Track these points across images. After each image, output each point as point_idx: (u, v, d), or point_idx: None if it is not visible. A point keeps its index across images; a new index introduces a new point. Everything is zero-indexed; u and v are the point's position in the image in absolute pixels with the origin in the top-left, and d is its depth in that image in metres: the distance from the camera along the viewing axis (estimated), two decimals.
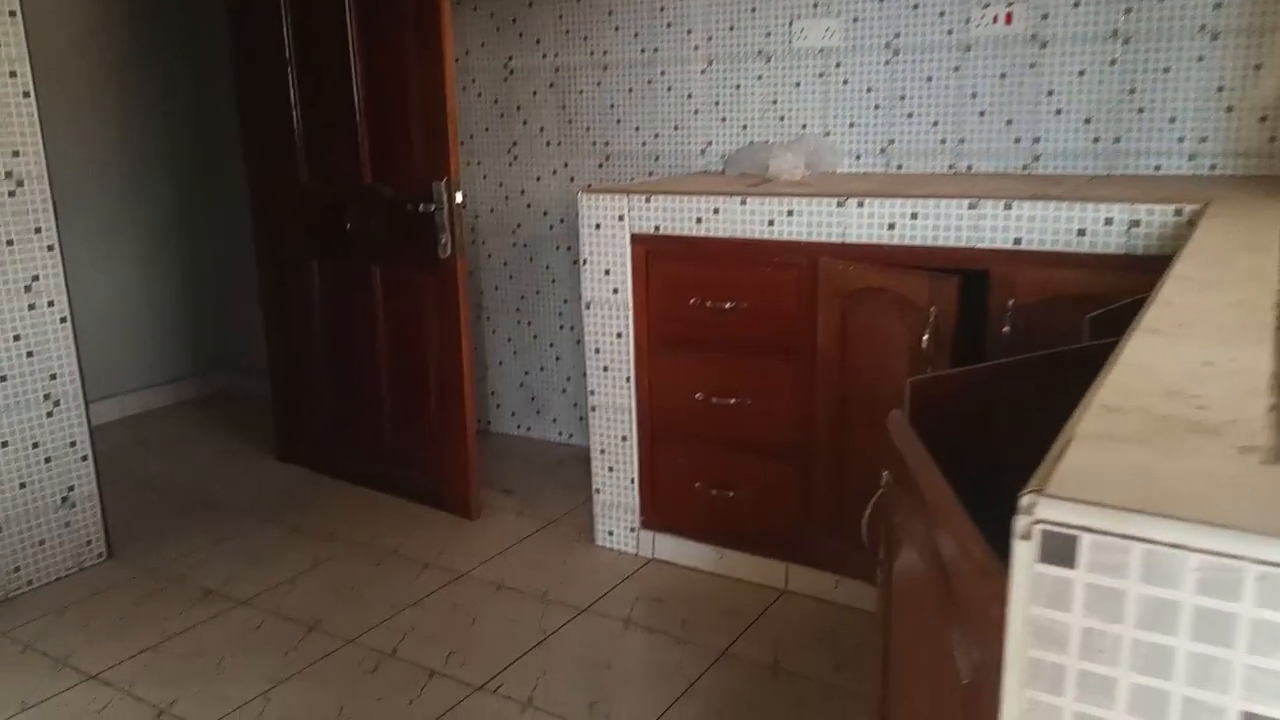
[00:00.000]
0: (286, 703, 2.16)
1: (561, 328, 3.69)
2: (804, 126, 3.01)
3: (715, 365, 2.58)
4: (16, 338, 2.61)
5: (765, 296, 2.47)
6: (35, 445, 2.67)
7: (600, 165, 3.43)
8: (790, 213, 2.39)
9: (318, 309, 3.38)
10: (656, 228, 2.58)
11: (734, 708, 2.11)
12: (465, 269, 2.97)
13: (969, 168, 2.80)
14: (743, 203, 2.44)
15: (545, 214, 3.61)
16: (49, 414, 2.69)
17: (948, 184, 2.50)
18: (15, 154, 2.57)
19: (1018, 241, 2.14)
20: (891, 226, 2.27)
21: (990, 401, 1.56)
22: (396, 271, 3.12)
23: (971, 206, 2.17)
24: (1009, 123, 2.73)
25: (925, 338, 2.11)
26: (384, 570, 2.78)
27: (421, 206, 2.91)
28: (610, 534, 2.87)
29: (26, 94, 2.58)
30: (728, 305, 2.51)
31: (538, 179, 3.59)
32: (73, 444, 2.75)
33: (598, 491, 2.85)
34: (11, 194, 2.57)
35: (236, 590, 2.67)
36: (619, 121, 3.35)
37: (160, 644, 2.41)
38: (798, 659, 2.28)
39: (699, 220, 2.51)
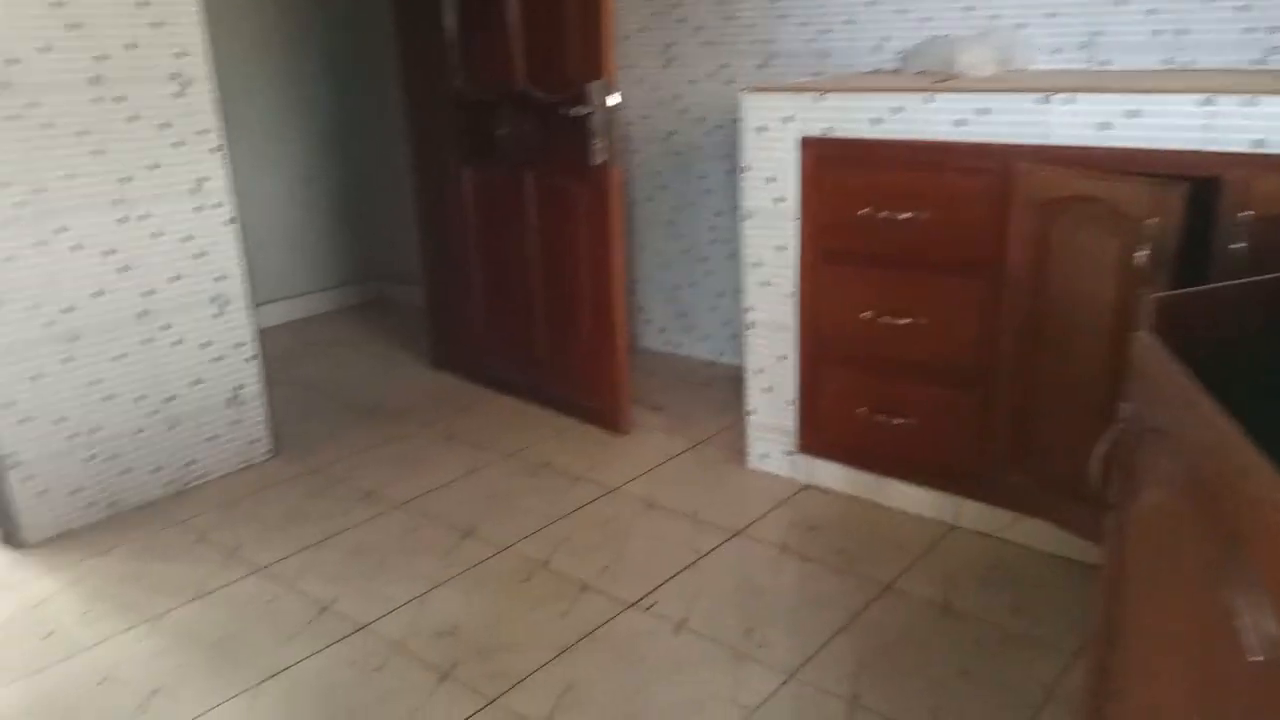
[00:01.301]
0: (443, 605, 2.17)
1: (714, 241, 3.54)
2: (994, 18, 2.71)
3: (887, 282, 2.39)
4: (187, 239, 2.66)
5: (948, 206, 2.24)
6: (206, 344, 2.75)
7: (761, 66, 3.21)
8: (984, 110, 2.14)
9: (470, 217, 3.34)
10: (828, 130, 2.38)
11: (902, 646, 1.99)
12: (619, 177, 2.84)
13: (1190, 64, 2.46)
14: (928, 100, 2.21)
15: (701, 120, 3.43)
16: (217, 314, 2.76)
17: (1169, 79, 2.19)
18: (183, 54, 2.59)
19: (1259, 144, 1.84)
20: (1105, 126, 2.00)
21: (1242, 324, 1.34)
22: (549, 179, 3.03)
23: (1205, 103, 1.88)
24: (1243, 8, 2.36)
25: (1141, 254, 1.86)
26: (536, 481, 2.76)
27: (575, 110, 2.79)
28: (764, 456, 2.75)
29: None
30: (904, 216, 2.30)
31: (692, 82, 3.41)
32: (240, 344, 2.82)
33: (752, 412, 2.73)
34: (179, 94, 2.60)
35: (394, 493, 2.71)
36: (783, 17, 3.11)
37: (323, 541, 2.47)
38: (971, 599, 2.13)
39: (877, 121, 2.29)
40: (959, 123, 2.18)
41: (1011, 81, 2.29)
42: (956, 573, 2.22)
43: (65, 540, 2.50)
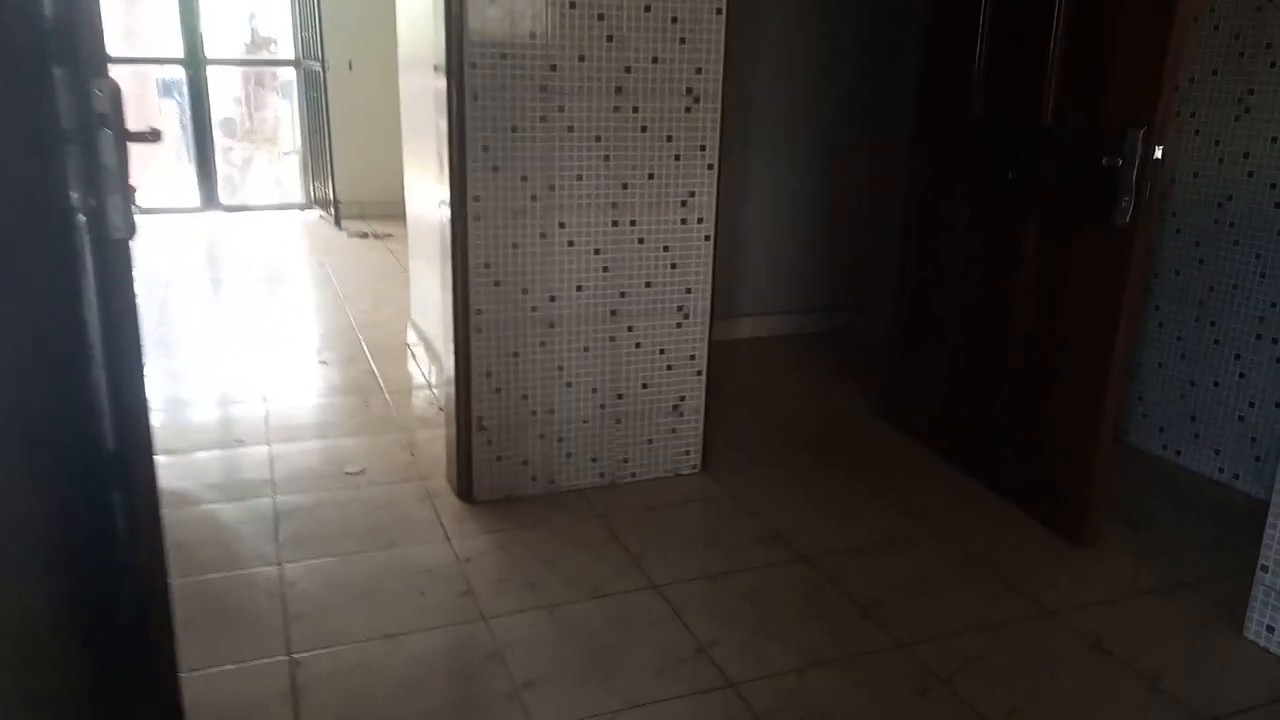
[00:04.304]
0: (821, 688, 1.96)
1: (1259, 337, 2.83)
2: None
3: None
4: (665, 248, 2.74)
5: None
6: (661, 351, 2.82)
7: None
8: None
9: (955, 260, 3.04)
10: None
11: None
12: (1146, 243, 2.36)
13: None
14: None
15: (1273, 187, 2.75)
16: (678, 325, 2.81)
17: None
18: (699, 70, 2.65)
19: None
20: None
21: None
22: (1057, 232, 2.62)
23: None
24: None
25: None
26: (962, 574, 2.42)
27: (1106, 159, 2.35)
28: (1270, 632, 2.11)
29: (719, 10, 2.63)
30: None
31: (1274, 140, 2.73)
32: (692, 357, 2.86)
33: (1267, 568, 2.11)
34: (688, 110, 2.67)
35: (804, 543, 2.54)
36: None
37: (720, 575, 2.39)
38: None
39: None
40: None
41: None
42: None
43: (505, 506, 2.73)
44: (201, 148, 7.80)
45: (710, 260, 2.80)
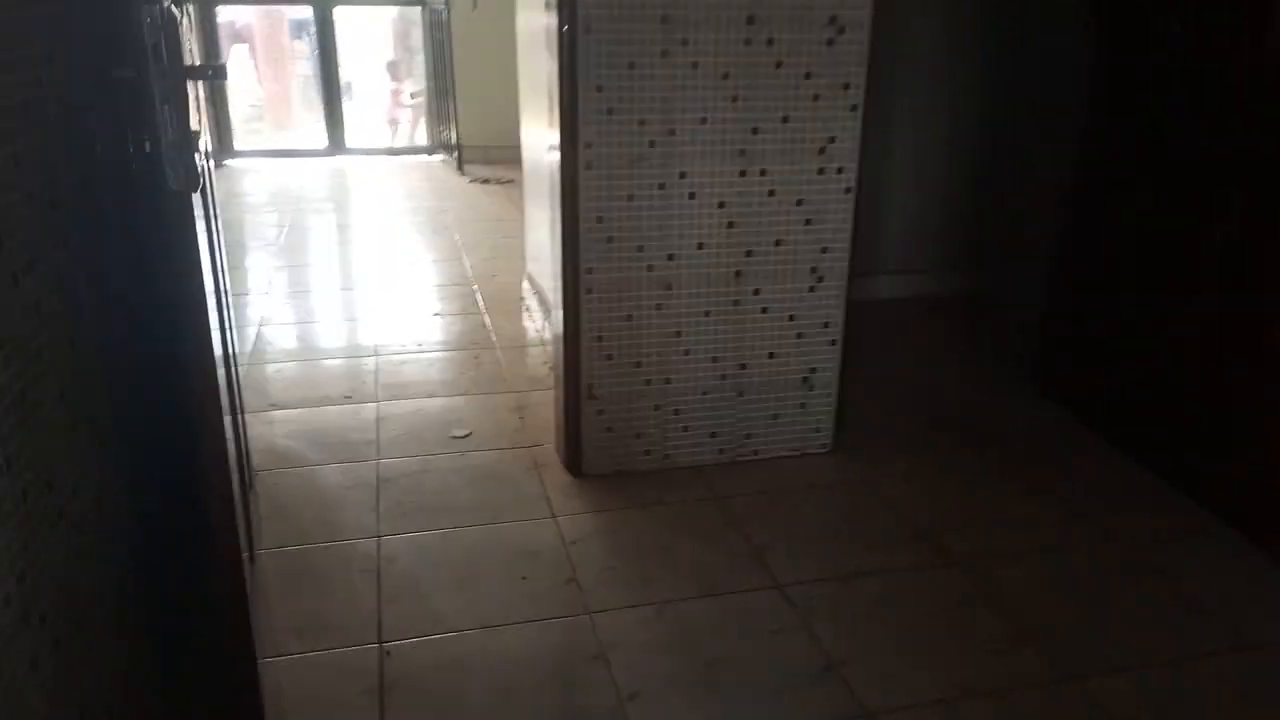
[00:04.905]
0: None
1: None
2: None
3: None
4: (799, 202, 2.43)
5: None
6: (791, 318, 2.52)
7: None
8: None
9: (1133, 218, 2.61)
10: None
11: None
12: None
13: None
14: None
15: None
16: (811, 288, 2.51)
17: None
18: None
19: None
20: None
21: None
22: (1267, 186, 2.18)
23: None
24: None
25: None
26: (1141, 592, 2.07)
27: None
28: None
29: None
30: None
31: None
32: (826, 325, 2.55)
33: None
34: (830, 43, 2.33)
35: (951, 543, 2.24)
36: None
37: (851, 577, 2.11)
38: None
39: None
40: None
41: None
42: None
43: (616, 481, 2.51)
44: (329, 89, 7.80)
45: (850, 216, 2.47)
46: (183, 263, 1.39)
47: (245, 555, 1.91)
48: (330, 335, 3.69)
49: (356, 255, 4.92)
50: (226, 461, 1.53)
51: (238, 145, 7.79)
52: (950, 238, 4.08)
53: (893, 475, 2.56)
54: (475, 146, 7.27)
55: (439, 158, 7.75)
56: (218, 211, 2.06)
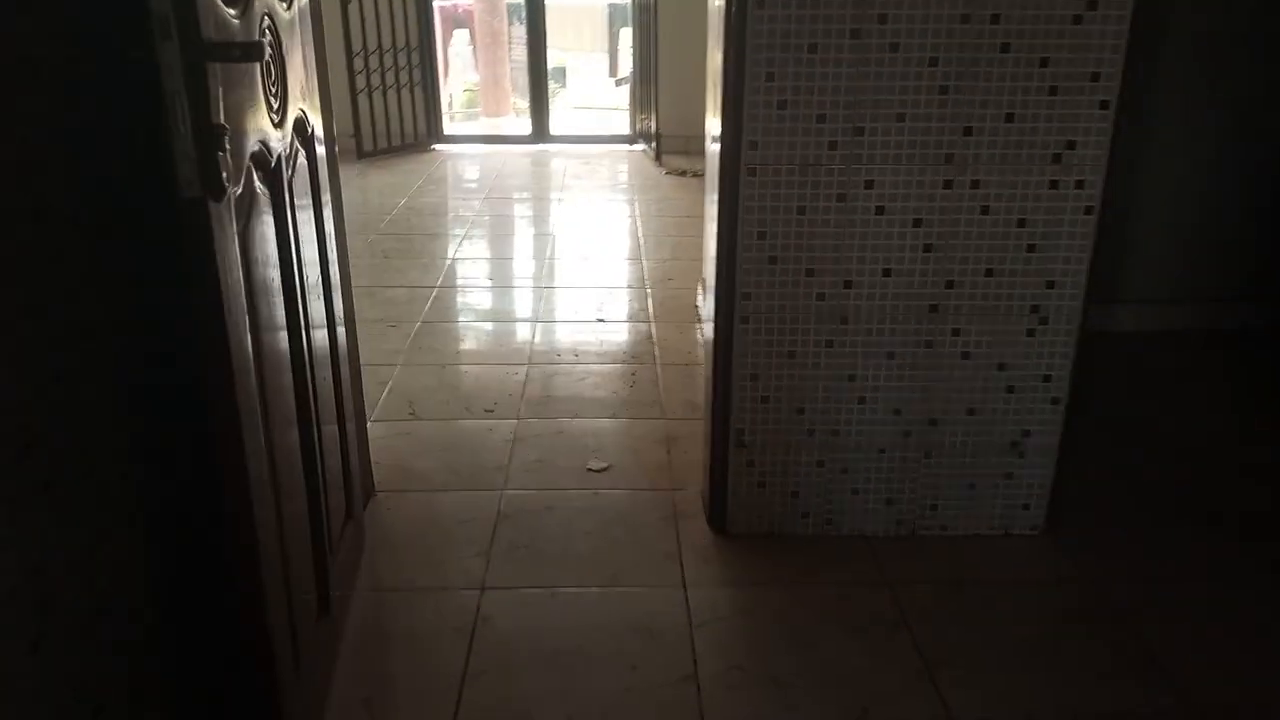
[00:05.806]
0: None
1: None
2: None
3: None
4: (1021, 222, 1.91)
5: None
6: (1000, 366, 2.01)
7: None
8: None
9: None
10: None
11: None
12: None
13: None
14: None
15: None
16: (1029, 331, 1.98)
17: None
18: None
19: None
20: None
21: None
22: None
23: None
24: None
25: None
26: None
27: None
28: None
29: None
30: None
31: None
32: (1047, 378, 2.02)
33: None
34: (1077, 20, 1.80)
35: (1200, 681, 1.68)
36: None
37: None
38: None
39: None
40: None
41: None
42: None
43: (764, 545, 2.11)
44: (536, 75, 7.74)
45: (1090, 242, 1.93)
46: (199, 290, 1.13)
47: (319, 604, 1.68)
48: (487, 338, 3.48)
49: (532, 251, 4.73)
50: (259, 570, 1.26)
51: (447, 130, 7.88)
52: (1219, 262, 3.34)
53: (1123, 571, 2.00)
54: (675, 136, 6.95)
55: (640, 147, 7.52)
56: (325, 213, 1.82)
